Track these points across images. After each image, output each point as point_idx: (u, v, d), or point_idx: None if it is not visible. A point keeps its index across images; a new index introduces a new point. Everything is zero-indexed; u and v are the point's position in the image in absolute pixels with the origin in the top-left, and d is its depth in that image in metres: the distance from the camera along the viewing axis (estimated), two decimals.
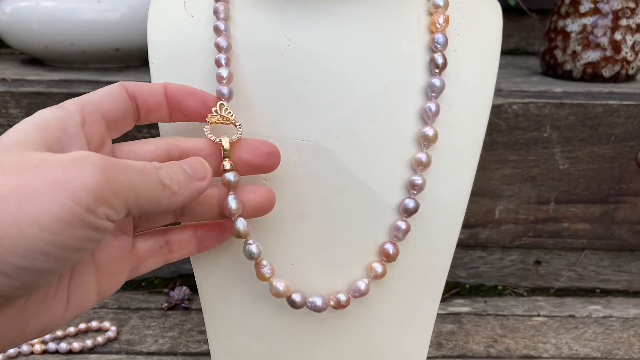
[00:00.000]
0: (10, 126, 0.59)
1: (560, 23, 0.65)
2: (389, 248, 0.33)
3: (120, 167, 0.23)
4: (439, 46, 0.31)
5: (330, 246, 0.33)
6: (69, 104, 0.26)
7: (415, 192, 0.32)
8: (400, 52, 0.32)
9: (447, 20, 0.32)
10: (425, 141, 0.32)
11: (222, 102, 0.31)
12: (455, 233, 0.33)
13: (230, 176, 0.30)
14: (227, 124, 0.31)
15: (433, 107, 0.31)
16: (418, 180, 0.32)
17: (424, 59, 0.32)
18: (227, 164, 0.30)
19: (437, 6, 0.32)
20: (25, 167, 0.21)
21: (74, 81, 0.60)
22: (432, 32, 0.32)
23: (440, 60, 0.31)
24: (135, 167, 0.24)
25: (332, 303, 0.33)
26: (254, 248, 0.32)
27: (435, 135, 0.32)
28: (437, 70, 0.32)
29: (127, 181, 0.23)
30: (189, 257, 0.34)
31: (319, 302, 0.33)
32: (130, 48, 0.66)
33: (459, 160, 0.32)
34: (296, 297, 0.33)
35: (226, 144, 0.30)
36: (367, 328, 0.36)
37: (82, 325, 0.55)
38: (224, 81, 0.31)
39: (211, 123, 0.30)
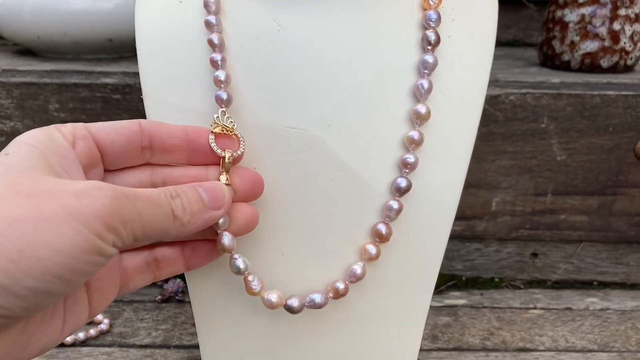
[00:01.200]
0: (2, 117, 0.57)
1: (559, 13, 0.65)
2: (382, 228, 0.32)
3: (131, 197, 0.23)
4: (431, 23, 0.31)
5: (321, 236, 0.33)
6: (64, 127, 0.27)
7: (407, 170, 0.31)
8: (394, 38, 0.31)
9: None
10: (418, 119, 0.31)
11: (223, 109, 0.30)
12: (449, 223, 0.32)
13: None
14: (229, 134, 0.30)
15: (425, 84, 0.31)
16: (410, 158, 0.31)
17: (418, 42, 0.31)
18: (223, 178, 0.29)
19: None
20: (38, 192, 0.22)
21: (65, 71, 0.59)
22: (425, 9, 0.31)
23: (432, 37, 0.31)
24: (147, 197, 0.24)
25: (331, 294, 0.33)
26: (240, 263, 0.32)
27: (428, 112, 0.31)
28: (429, 47, 0.31)
29: (136, 213, 0.23)
30: None
31: (318, 298, 0.32)
32: (124, 38, 0.65)
33: (452, 149, 0.32)
34: (293, 303, 0.32)
35: (229, 157, 0.29)
36: (360, 321, 0.35)
37: None
38: (222, 85, 0.30)
39: (215, 132, 0.30)
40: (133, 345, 0.51)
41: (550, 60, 0.67)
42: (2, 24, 0.65)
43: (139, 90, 0.54)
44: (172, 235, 0.26)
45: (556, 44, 0.65)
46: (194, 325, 0.54)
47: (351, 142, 0.31)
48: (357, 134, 0.31)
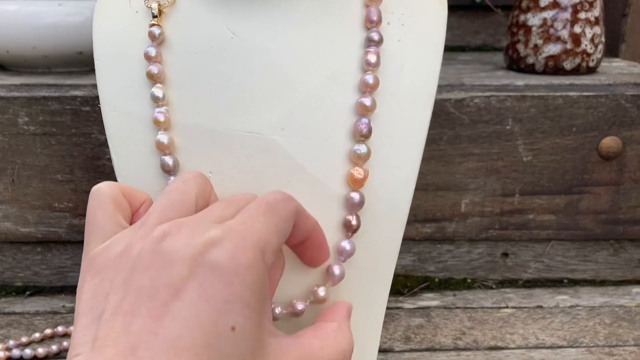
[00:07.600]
0: None
1: (522, 17, 0.66)
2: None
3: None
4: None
5: None
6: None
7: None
8: (344, 42, 0.32)
9: None
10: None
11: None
12: (402, 221, 0.33)
13: None
14: None
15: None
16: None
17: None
18: None
19: None
20: None
21: (35, 85, 0.59)
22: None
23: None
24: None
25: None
26: None
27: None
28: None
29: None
30: None
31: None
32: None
33: (403, 150, 0.32)
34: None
35: None
36: None
37: (48, 331, 0.54)
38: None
39: None
40: None
41: (516, 64, 0.68)
42: None
43: None
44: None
45: (520, 47, 0.67)
46: None
47: (306, 145, 0.32)
48: (312, 136, 0.32)
